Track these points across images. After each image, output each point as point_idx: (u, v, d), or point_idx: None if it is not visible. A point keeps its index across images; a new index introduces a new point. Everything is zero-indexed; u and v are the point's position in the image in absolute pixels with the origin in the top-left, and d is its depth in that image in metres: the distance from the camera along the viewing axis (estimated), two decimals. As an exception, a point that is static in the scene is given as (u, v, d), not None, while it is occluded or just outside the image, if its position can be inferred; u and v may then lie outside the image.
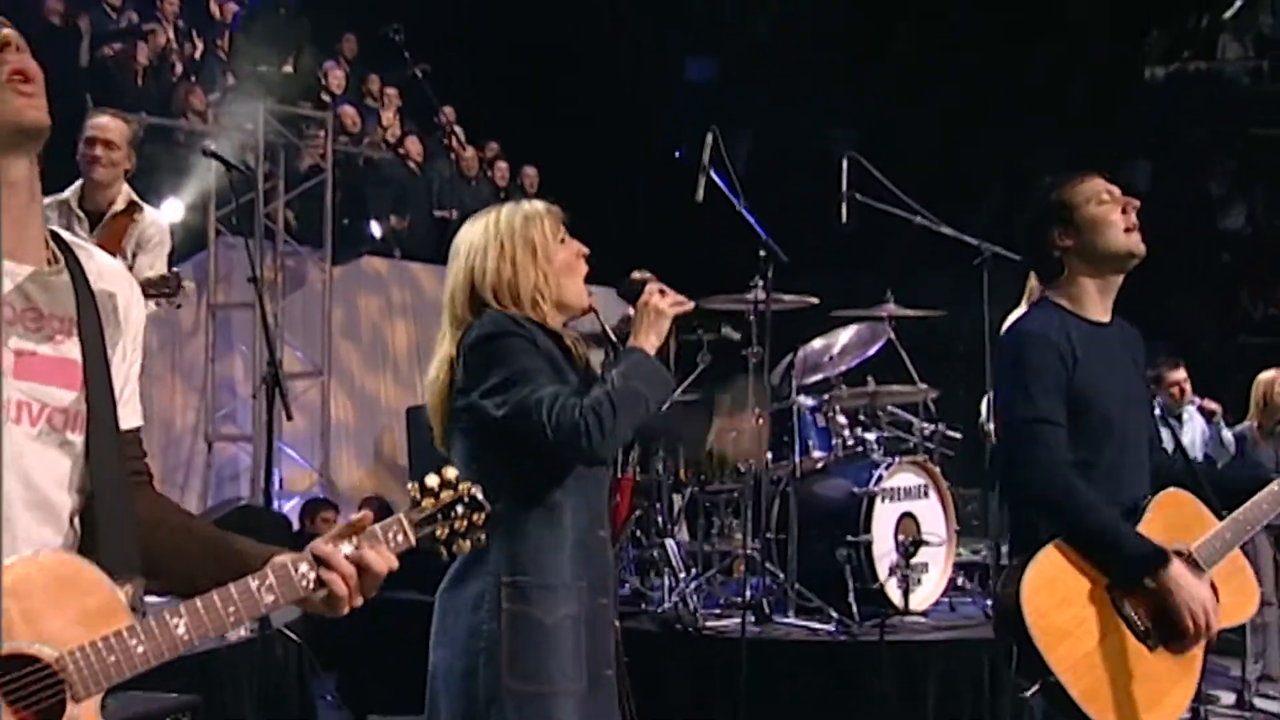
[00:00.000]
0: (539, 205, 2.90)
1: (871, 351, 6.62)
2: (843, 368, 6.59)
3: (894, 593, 5.77)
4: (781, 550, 5.89)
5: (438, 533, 2.01)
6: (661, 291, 2.86)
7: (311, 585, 1.89)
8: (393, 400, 10.31)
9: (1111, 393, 3.15)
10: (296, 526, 8.30)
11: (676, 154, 6.00)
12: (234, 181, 5.27)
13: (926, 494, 6.10)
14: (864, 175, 6.11)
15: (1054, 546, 2.99)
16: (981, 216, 10.61)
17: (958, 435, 6.68)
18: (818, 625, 5.49)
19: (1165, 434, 7.60)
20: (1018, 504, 3.22)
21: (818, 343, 6.64)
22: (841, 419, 6.20)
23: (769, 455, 5.80)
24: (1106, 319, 3.22)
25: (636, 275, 3.15)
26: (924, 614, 5.86)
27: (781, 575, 5.83)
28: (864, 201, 6.04)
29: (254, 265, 5.25)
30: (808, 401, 6.11)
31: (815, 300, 5.97)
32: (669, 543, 5.92)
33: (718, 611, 5.75)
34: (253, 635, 4.98)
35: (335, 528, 1.95)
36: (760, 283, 5.65)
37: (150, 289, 4.51)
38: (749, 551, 5.94)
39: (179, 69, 10.36)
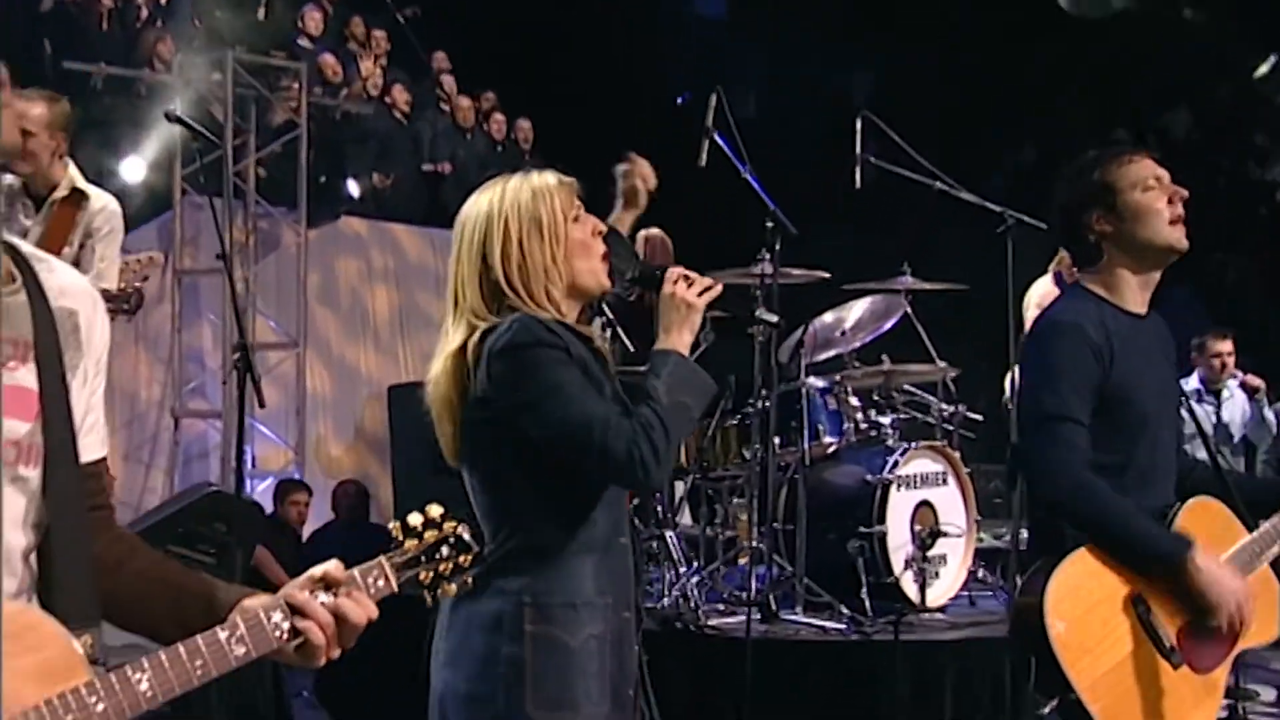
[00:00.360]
0: (549, 178, 2.76)
1: (886, 326, 6.60)
2: (856, 344, 6.57)
3: (910, 587, 5.77)
4: (789, 542, 5.89)
5: (421, 576, 1.99)
6: (685, 278, 2.76)
7: (286, 636, 1.87)
8: (374, 371, 10.33)
9: (1147, 391, 3.15)
10: (270, 509, 8.33)
11: (679, 100, 5.97)
12: (200, 140, 5.24)
13: (945, 481, 6.10)
14: (879, 136, 6.09)
15: (1081, 554, 3.00)
16: (1006, 179, 10.61)
17: (979, 417, 6.68)
18: (828, 623, 5.49)
19: (1202, 411, 7.64)
20: (1037, 504, 3.23)
21: (829, 317, 6.62)
22: (854, 401, 6.18)
23: (776, 440, 5.79)
24: (1143, 310, 3.22)
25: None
26: (942, 609, 5.87)
27: (789, 569, 5.83)
28: (879, 165, 6.01)
29: (222, 237, 5.23)
30: (817, 383, 6.10)
31: (826, 275, 5.95)
32: (669, 534, 5.92)
33: (721, 608, 5.76)
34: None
35: (307, 574, 1.93)
36: (767, 256, 5.63)
37: (108, 303, 4.49)
38: (754, 544, 5.95)
39: (144, 14, 10.27)
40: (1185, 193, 3.17)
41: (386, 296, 10.59)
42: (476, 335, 2.61)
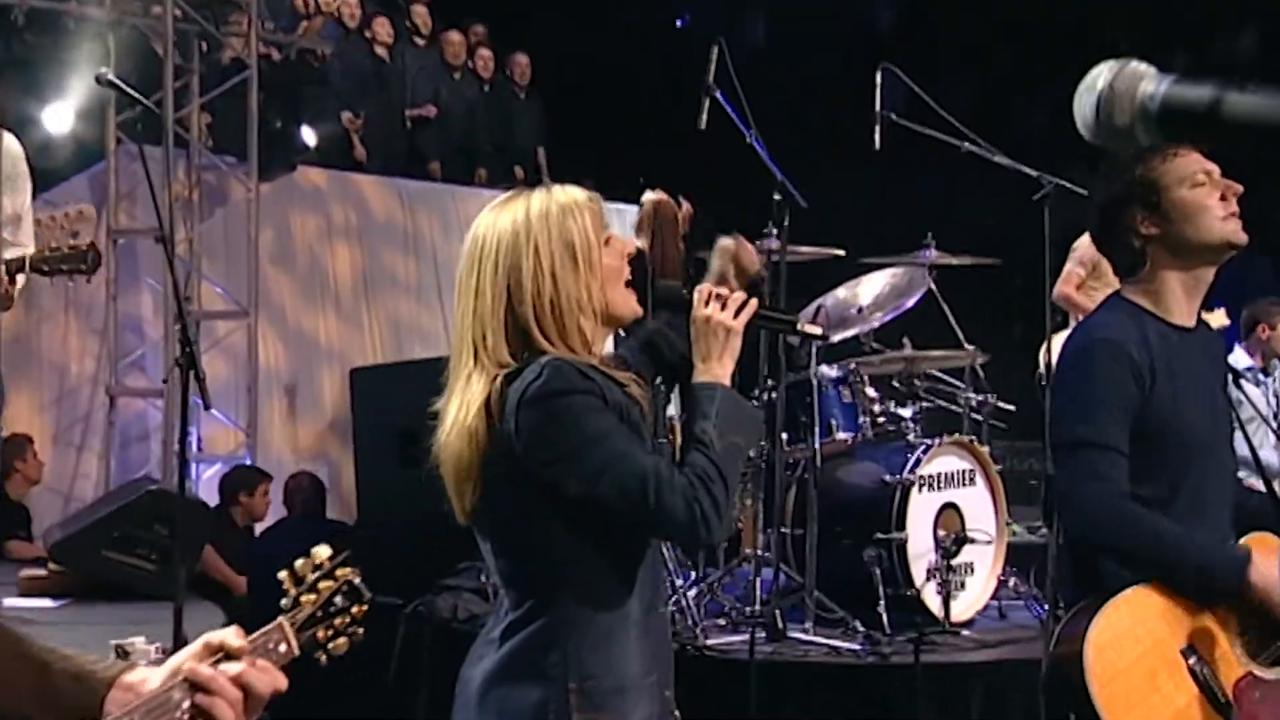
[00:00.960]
0: (577, 195, 2.69)
1: (908, 304, 6.58)
2: (874, 324, 6.56)
3: (932, 600, 5.79)
4: (798, 550, 5.91)
5: (319, 635, 2.01)
6: (717, 297, 2.72)
7: (188, 716, 1.85)
8: (335, 341, 10.30)
9: (1196, 416, 3.15)
10: (216, 500, 8.33)
11: (678, 23, 5.94)
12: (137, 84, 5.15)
13: (973, 480, 6.11)
14: (901, 91, 6.03)
15: (1125, 598, 3.01)
16: (1043, 130, 10.49)
17: (1011, 408, 6.67)
18: (840, 643, 5.51)
19: (1256, 393, 7.62)
20: (1072, 541, 3.23)
21: (842, 292, 6.61)
22: (871, 391, 6.18)
23: (784, 436, 5.78)
24: (1191, 323, 3.21)
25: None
26: (968, 624, 5.89)
27: (798, 579, 5.84)
28: (900, 123, 5.96)
29: (154, 194, 5.08)
30: (830, 372, 6.09)
31: (840, 252, 5.93)
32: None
33: (722, 623, 5.78)
34: (160, 655, 5.00)
35: (202, 643, 1.92)
36: (774, 231, 5.60)
37: (63, 264, 4.44)
38: (759, 551, 5.95)
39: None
40: (1239, 188, 3.15)
41: (349, 257, 10.54)
42: (499, 382, 2.56)
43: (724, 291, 2.74)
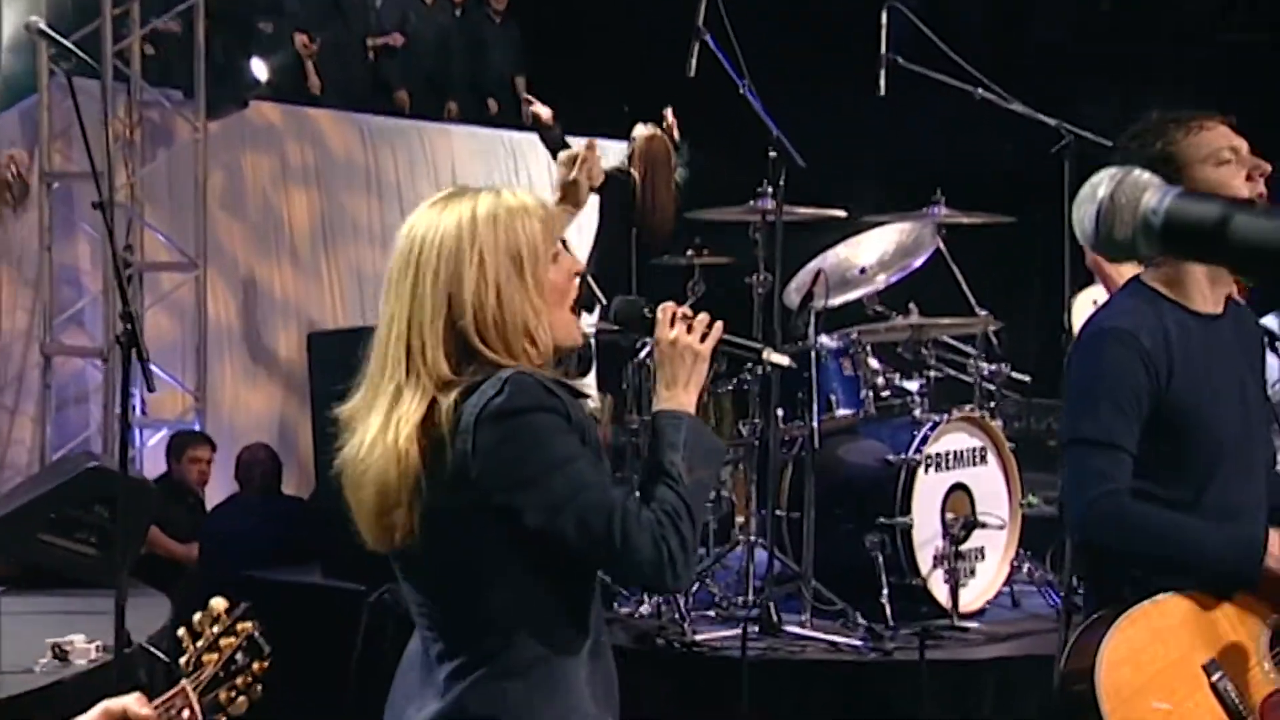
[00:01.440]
0: (527, 200, 2.66)
1: (916, 264, 6.59)
2: (879, 285, 6.57)
3: (939, 590, 5.84)
4: (794, 535, 5.93)
5: (222, 696, 2.04)
6: (682, 317, 2.72)
7: None
8: (291, 293, 10.27)
9: (1223, 411, 3.16)
10: (163, 468, 8.35)
11: None
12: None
13: (984, 459, 6.14)
14: (910, 32, 6.03)
15: (1142, 611, 3.04)
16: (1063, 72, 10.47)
17: (1026, 378, 6.69)
18: (839, 638, 5.55)
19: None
20: (1081, 547, 3.26)
21: (843, 250, 6.61)
22: (873, 363, 6.18)
23: (779, 412, 5.79)
24: (1217, 309, 3.21)
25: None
26: (979, 614, 5.94)
27: (794, 568, 5.88)
28: (907, 67, 5.96)
29: (86, 133, 5.02)
30: (830, 342, 6.09)
31: (841, 213, 5.93)
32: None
33: (712, 615, 5.82)
34: (101, 655, 5.03)
35: (95, 712, 1.94)
36: (769, 190, 5.60)
37: None
38: (753, 538, 5.98)
39: None
40: (1267, 167, 3.16)
41: (306, 201, 10.47)
42: (451, 397, 2.51)
43: (688, 312, 2.74)
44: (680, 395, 2.69)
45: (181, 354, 9.57)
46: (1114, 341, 3.12)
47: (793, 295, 6.39)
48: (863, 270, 6.63)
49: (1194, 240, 1.69)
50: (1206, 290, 3.20)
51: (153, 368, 8.95)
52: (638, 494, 2.58)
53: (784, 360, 3.01)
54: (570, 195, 3.51)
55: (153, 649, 5.31)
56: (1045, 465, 7.89)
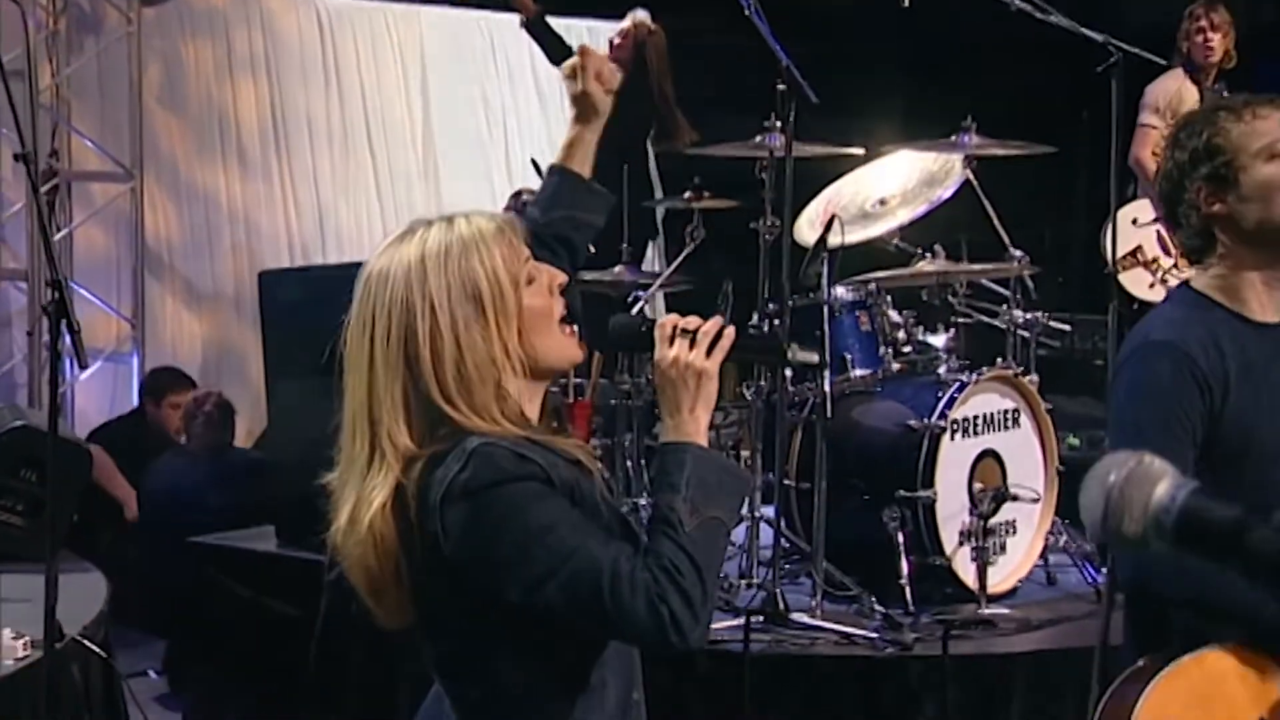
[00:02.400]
0: (484, 225, 2.64)
1: (942, 197, 6.51)
2: (901, 220, 6.50)
3: (965, 570, 5.82)
4: (804, 509, 5.92)
5: None
6: (683, 333, 2.65)
7: None
8: (239, 202, 10.25)
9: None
10: (97, 406, 8.34)
11: None
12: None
13: (1017, 421, 6.10)
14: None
15: (1187, 664, 3.02)
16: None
17: (1066, 328, 6.67)
18: (853, 629, 5.54)
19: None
20: (1121, 585, 3.25)
21: (859, 177, 6.58)
22: (894, 315, 6.13)
23: (788, 373, 5.76)
24: (1276, 317, 3.21)
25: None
26: (1009, 594, 5.95)
27: (804, 546, 5.87)
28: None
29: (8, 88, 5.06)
30: (846, 295, 6.03)
31: (859, 151, 5.89)
32: (641, 503, 5.96)
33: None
34: (28, 653, 5.01)
35: None
36: (778, 125, 5.55)
37: None
38: (757, 513, 5.97)
39: None
40: None
41: (254, 94, 10.44)
42: (415, 473, 2.54)
43: (691, 322, 2.68)
44: (685, 424, 2.63)
45: (115, 275, 9.57)
46: (1163, 359, 3.10)
47: (804, 231, 6.34)
48: (882, 201, 6.57)
49: (1208, 543, 1.75)
50: (1264, 296, 3.19)
51: (83, 291, 9.06)
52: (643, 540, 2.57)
53: (812, 357, 2.97)
54: (585, 110, 3.39)
55: (87, 642, 5.30)
56: (1091, 389, 7.89)
